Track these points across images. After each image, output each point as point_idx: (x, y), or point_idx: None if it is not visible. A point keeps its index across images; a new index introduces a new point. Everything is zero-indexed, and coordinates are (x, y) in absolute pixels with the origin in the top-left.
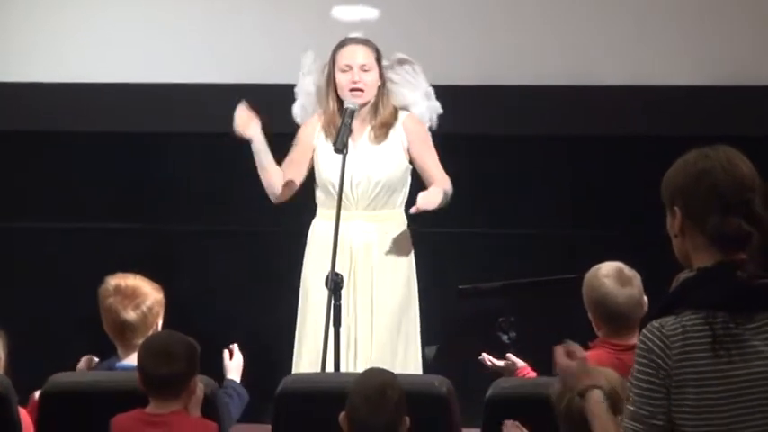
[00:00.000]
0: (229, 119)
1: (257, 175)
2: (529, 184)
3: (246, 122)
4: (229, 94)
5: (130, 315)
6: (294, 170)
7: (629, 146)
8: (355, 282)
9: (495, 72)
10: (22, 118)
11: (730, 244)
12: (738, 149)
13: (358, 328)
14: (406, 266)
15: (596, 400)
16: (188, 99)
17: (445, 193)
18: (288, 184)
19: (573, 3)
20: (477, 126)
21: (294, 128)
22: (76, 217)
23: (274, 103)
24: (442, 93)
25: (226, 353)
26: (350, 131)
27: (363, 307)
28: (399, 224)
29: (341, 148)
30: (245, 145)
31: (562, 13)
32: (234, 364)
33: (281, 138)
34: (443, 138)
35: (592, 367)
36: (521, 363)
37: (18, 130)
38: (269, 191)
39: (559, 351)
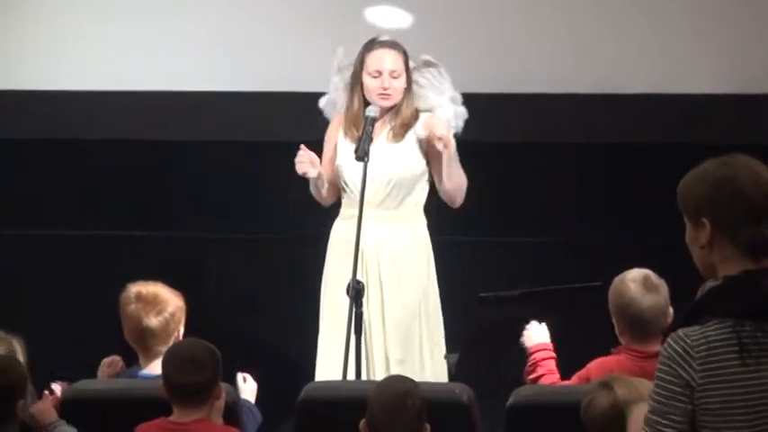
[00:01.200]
0: (250, 126)
1: (278, 182)
2: (551, 192)
3: (309, 165)
4: (250, 102)
5: (152, 322)
6: (330, 170)
7: (650, 154)
8: (366, 283)
9: (515, 80)
10: (41, 126)
11: (765, 253)
12: (756, 158)
13: (372, 331)
14: (421, 269)
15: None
16: (209, 107)
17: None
18: (332, 185)
19: (594, 12)
20: (498, 134)
21: (319, 135)
22: (95, 224)
23: (297, 112)
24: (463, 100)
25: (239, 377)
26: (371, 139)
27: (374, 308)
28: (413, 225)
29: (362, 156)
30: (265, 152)
31: (583, 21)
32: (248, 387)
33: (295, 146)
34: (463, 145)
35: (637, 379)
36: (537, 339)
37: (37, 138)
38: (319, 201)
39: None
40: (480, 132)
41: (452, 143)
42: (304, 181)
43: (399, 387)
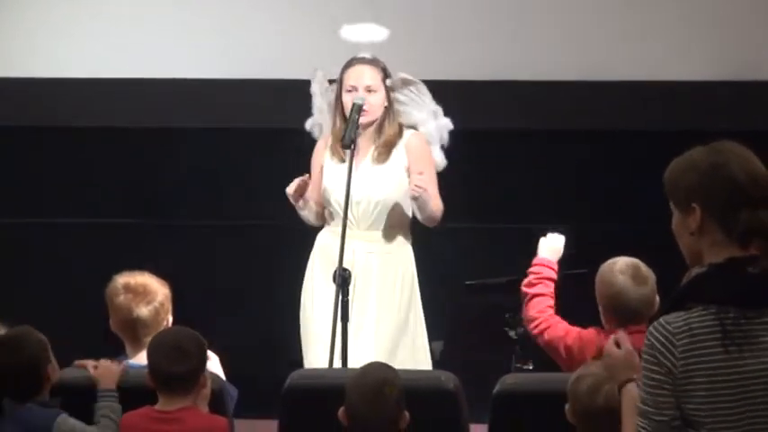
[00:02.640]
0: (239, 113)
1: (267, 171)
2: (537, 180)
3: (299, 192)
4: (239, 89)
5: (143, 311)
6: (317, 193)
7: (639, 141)
8: (353, 301)
9: (506, 67)
10: (33, 113)
11: (755, 239)
12: (749, 145)
13: (358, 349)
14: (408, 285)
15: (633, 394)
16: (198, 94)
17: (424, 200)
18: (319, 207)
19: None
20: (486, 121)
21: (302, 124)
22: (88, 212)
23: (281, 98)
24: (451, 87)
25: None
26: (357, 127)
27: (365, 327)
28: (401, 243)
29: (348, 143)
30: (253, 140)
31: (572, 7)
32: (213, 365)
33: (290, 133)
34: (451, 133)
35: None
36: (545, 253)
37: (30, 125)
38: (307, 223)
39: (611, 341)
40: (467, 119)
41: (424, 189)
42: (293, 169)
43: (378, 375)
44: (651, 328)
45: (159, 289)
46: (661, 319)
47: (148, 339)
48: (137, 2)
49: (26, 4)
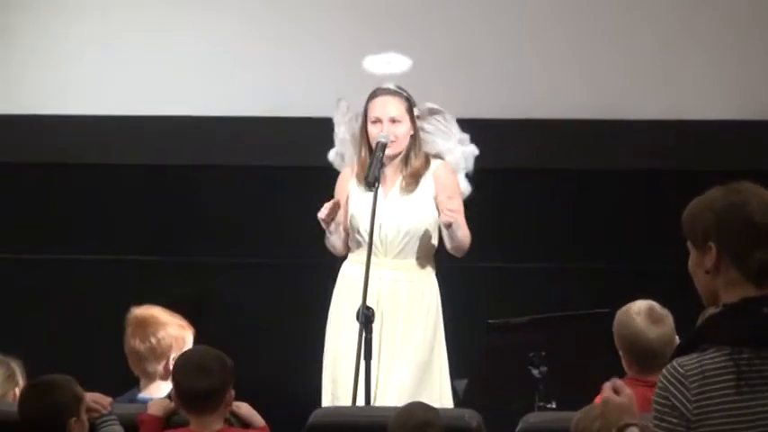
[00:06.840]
0: (263, 151)
1: (290, 209)
2: (560, 218)
3: (332, 216)
4: (262, 127)
5: (139, 345)
6: (343, 221)
7: (659, 180)
8: (381, 329)
9: (526, 106)
10: (55, 150)
11: None
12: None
13: (380, 376)
14: (433, 315)
15: None
16: (221, 132)
17: (457, 226)
18: (345, 234)
19: (603, 37)
20: (507, 160)
21: (327, 161)
22: (110, 249)
23: (305, 137)
24: (472, 126)
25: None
26: (381, 165)
27: (387, 355)
28: (427, 273)
29: (372, 181)
30: (278, 178)
31: (592, 46)
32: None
33: (312, 171)
34: (473, 172)
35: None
36: None
37: (52, 162)
38: (333, 251)
39: (607, 386)
40: (490, 159)
41: (456, 213)
42: (311, 206)
43: (420, 417)
44: (664, 370)
45: (165, 323)
46: (674, 362)
47: (156, 371)
48: (145, 40)
49: (39, 40)
